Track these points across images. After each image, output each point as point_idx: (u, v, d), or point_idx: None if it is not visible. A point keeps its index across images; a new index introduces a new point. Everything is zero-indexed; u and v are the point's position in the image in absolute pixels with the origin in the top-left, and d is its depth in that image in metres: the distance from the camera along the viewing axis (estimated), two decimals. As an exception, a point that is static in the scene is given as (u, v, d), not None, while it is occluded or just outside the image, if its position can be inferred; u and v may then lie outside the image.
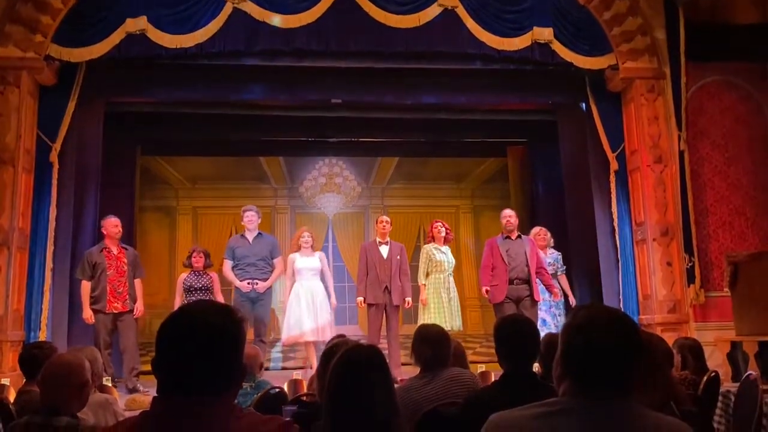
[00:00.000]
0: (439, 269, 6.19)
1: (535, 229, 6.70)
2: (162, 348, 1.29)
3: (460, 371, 2.80)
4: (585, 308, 1.45)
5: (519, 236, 6.14)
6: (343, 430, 1.71)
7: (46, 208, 5.83)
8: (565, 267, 6.68)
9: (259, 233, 6.24)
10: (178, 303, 6.08)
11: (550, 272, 6.18)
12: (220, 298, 6.15)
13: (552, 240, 6.70)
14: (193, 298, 6.01)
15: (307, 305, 6.01)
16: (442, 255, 6.24)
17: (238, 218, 7.33)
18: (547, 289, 6.10)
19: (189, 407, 1.24)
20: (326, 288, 6.21)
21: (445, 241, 6.37)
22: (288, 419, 1.35)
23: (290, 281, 6.22)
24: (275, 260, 6.20)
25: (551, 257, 6.53)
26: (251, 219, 6.21)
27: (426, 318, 6.02)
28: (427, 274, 6.24)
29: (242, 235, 6.24)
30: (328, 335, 5.59)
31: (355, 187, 9.29)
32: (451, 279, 6.27)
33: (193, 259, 6.18)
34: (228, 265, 6.14)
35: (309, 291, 6.09)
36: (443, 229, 6.37)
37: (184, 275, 6.21)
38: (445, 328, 3.89)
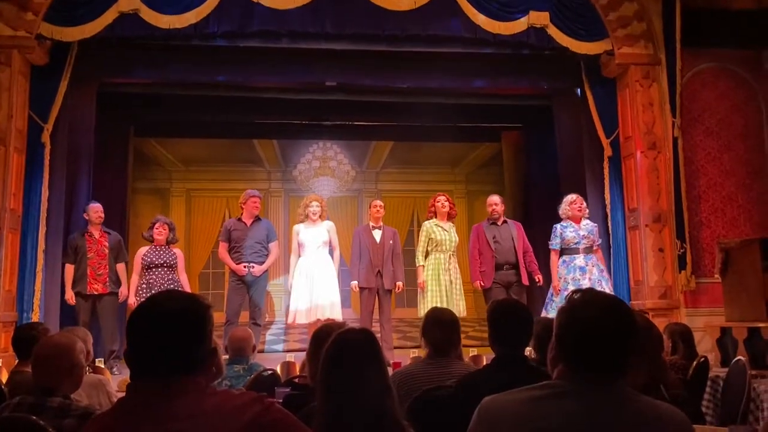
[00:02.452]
0: (439, 248, 5.94)
1: (571, 197, 5.99)
2: (130, 337, 1.37)
3: (469, 367, 2.77)
4: (580, 293, 1.46)
5: (505, 221, 6.17)
6: (336, 413, 1.72)
7: (38, 188, 5.80)
8: (600, 241, 6.10)
9: (257, 217, 6.20)
10: (135, 282, 5.88)
11: (585, 246, 5.79)
12: (183, 278, 5.96)
13: (587, 210, 6.08)
14: (154, 275, 5.79)
15: (310, 284, 5.82)
16: (444, 233, 5.97)
17: (231, 201, 7.28)
18: (530, 275, 6.00)
19: (160, 389, 1.30)
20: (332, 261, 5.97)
21: (449, 217, 6.10)
22: (261, 393, 1.37)
23: (295, 256, 6.03)
24: (271, 244, 6.14)
25: (585, 229, 5.88)
26: (258, 205, 6.16)
27: (423, 303, 5.86)
28: (427, 254, 6.01)
29: (239, 219, 6.18)
30: (332, 316, 5.46)
31: (349, 171, 9.27)
32: (454, 259, 6.00)
33: (155, 231, 5.91)
34: (224, 247, 6.06)
35: (314, 268, 5.88)
36: (447, 203, 6.12)
37: (144, 249, 5.91)
38: None
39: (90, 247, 5.88)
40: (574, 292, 1.46)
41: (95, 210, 5.95)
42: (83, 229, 5.97)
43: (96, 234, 5.95)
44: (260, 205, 6.22)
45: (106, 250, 5.92)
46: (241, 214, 6.19)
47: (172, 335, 1.34)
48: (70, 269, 5.85)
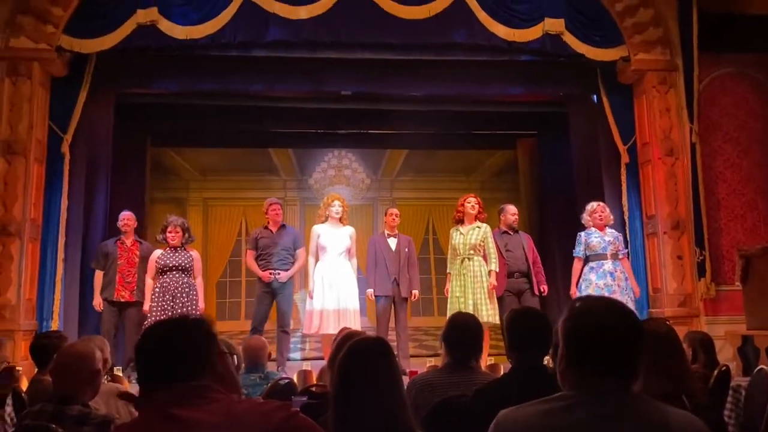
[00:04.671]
0: (455, 254, 5.87)
1: (592, 206, 5.90)
2: (136, 359, 1.43)
3: (488, 376, 2.73)
4: (581, 300, 1.47)
5: (516, 231, 6.17)
6: (350, 423, 1.71)
7: (58, 198, 5.88)
8: (627, 250, 6.06)
9: (282, 225, 6.21)
10: (150, 286, 5.69)
11: (612, 252, 5.70)
12: (199, 281, 5.84)
13: (611, 217, 5.95)
14: (168, 279, 5.59)
15: (336, 294, 5.74)
16: (459, 236, 5.86)
17: (248, 210, 7.27)
18: (537, 284, 5.98)
19: (174, 396, 1.31)
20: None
21: (476, 218, 5.91)
22: (285, 402, 1.38)
23: (313, 258, 5.94)
24: (298, 251, 6.14)
25: (611, 235, 5.80)
26: (279, 212, 6.16)
27: (450, 311, 5.76)
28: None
29: (266, 227, 6.18)
30: (355, 326, 5.34)
31: (364, 179, 9.28)
32: (471, 263, 5.74)
33: (168, 234, 5.72)
34: (251, 255, 6.08)
35: (337, 276, 5.81)
36: (477, 206, 5.93)
37: (158, 252, 5.75)
38: None
39: (121, 255, 5.92)
40: (575, 300, 1.47)
41: (121, 218, 6.02)
42: (116, 237, 6.03)
43: (128, 242, 6.00)
44: (281, 211, 6.21)
45: (137, 259, 5.94)
46: (267, 222, 6.20)
47: (168, 343, 1.40)
48: (99, 275, 5.89)
